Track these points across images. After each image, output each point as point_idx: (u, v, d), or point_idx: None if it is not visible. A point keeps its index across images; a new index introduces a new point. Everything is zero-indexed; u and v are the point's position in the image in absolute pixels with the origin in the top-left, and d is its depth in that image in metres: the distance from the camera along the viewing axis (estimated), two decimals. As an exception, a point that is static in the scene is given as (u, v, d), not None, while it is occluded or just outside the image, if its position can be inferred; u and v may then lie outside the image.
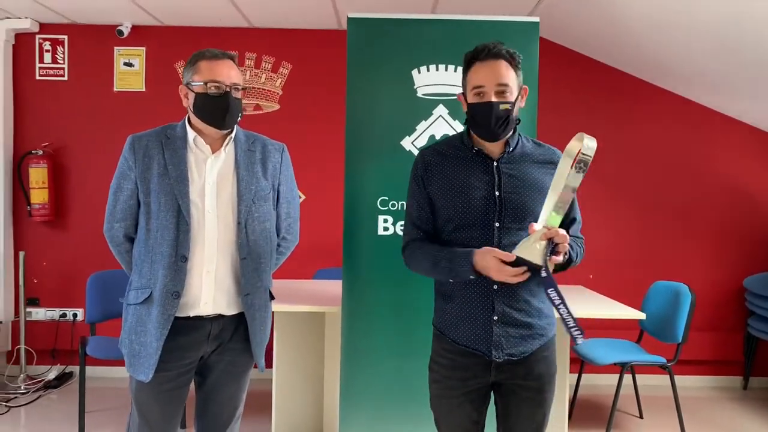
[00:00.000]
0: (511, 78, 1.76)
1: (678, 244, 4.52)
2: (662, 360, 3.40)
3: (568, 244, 1.72)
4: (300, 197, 4.44)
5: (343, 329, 2.85)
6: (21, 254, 4.28)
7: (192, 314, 1.90)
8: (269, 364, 3.21)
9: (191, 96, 1.91)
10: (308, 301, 3.12)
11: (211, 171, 1.93)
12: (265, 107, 4.49)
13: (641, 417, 3.84)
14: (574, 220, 1.86)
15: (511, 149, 1.84)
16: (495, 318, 1.77)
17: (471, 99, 1.79)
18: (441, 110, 2.77)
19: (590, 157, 1.68)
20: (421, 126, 2.78)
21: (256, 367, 2.06)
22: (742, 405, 4.16)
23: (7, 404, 3.85)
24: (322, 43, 4.44)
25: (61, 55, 4.47)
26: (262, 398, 3.72)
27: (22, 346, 4.28)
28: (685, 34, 3.59)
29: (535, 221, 1.65)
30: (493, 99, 1.74)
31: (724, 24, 3.27)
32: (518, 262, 1.62)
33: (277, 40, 4.48)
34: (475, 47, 1.78)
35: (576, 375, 3.83)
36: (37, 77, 4.46)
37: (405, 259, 1.90)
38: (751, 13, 3.06)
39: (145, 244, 1.90)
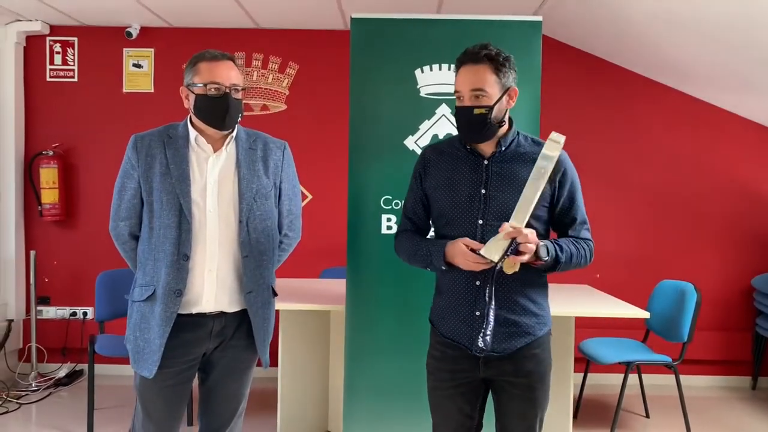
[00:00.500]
0: (490, 82, 1.77)
1: (686, 244, 4.50)
2: (667, 359, 3.39)
3: (557, 244, 1.75)
4: (307, 197, 4.50)
5: (347, 327, 2.87)
6: (32, 253, 4.34)
7: (194, 311, 1.92)
8: (274, 362, 3.25)
9: (192, 97, 1.93)
10: (313, 300, 3.15)
11: (213, 170, 1.95)
12: (272, 107, 4.52)
13: (647, 416, 3.83)
14: (574, 220, 1.86)
15: (503, 148, 1.85)
16: (477, 314, 1.80)
17: (456, 102, 1.84)
18: (444, 110, 2.78)
19: (551, 155, 1.70)
20: (424, 125, 2.80)
21: (260, 365, 2.08)
22: (751, 405, 4.14)
23: (19, 401, 3.90)
24: (329, 44, 4.47)
25: (71, 57, 4.52)
26: (267, 396, 3.76)
27: (33, 344, 4.34)
28: (691, 31, 3.57)
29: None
30: (467, 103, 1.78)
31: (731, 21, 3.26)
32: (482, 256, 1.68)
33: (284, 41, 4.51)
34: (464, 50, 1.82)
35: (581, 374, 3.82)
36: (48, 79, 4.52)
37: (395, 247, 2.02)
38: (758, 9, 3.04)
39: (148, 243, 1.93)
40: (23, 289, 4.49)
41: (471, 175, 1.85)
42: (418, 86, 2.79)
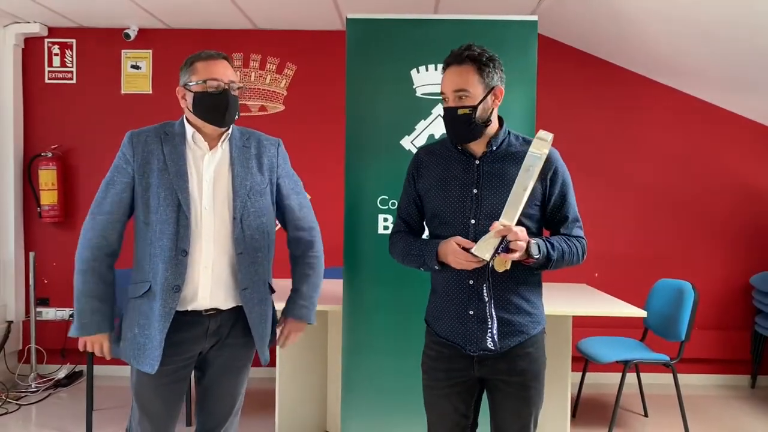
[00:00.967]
0: (473, 82, 1.78)
1: (684, 242, 4.50)
2: (665, 358, 3.39)
3: (548, 242, 1.75)
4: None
5: (344, 327, 2.88)
6: (31, 255, 4.34)
7: (190, 308, 1.93)
8: (272, 362, 3.25)
9: (189, 96, 1.94)
10: (311, 300, 3.14)
11: (208, 167, 1.96)
12: (270, 108, 4.53)
13: (646, 415, 3.83)
14: (566, 218, 1.86)
15: (494, 148, 1.86)
16: (470, 313, 1.81)
17: (443, 104, 1.87)
18: (440, 110, 2.76)
19: (539, 153, 1.72)
20: (421, 125, 2.80)
21: (258, 365, 2.07)
22: (750, 404, 4.14)
23: (18, 402, 3.91)
24: (326, 44, 4.47)
25: (70, 59, 4.53)
26: (265, 396, 3.76)
27: (33, 346, 4.34)
28: (690, 30, 3.58)
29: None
30: (451, 104, 1.81)
31: (729, 19, 3.26)
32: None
33: (281, 42, 4.51)
34: (450, 52, 1.84)
35: (580, 373, 3.83)
36: (46, 80, 4.54)
37: (389, 249, 2.04)
38: (756, 8, 3.05)
39: (144, 239, 1.93)
40: (22, 291, 4.50)
41: (463, 175, 1.86)
42: (414, 86, 2.80)
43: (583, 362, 3.78)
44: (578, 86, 4.49)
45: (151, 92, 4.51)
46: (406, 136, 2.81)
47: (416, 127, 2.80)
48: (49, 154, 4.42)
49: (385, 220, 2.82)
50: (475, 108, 1.79)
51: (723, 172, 4.49)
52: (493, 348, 1.77)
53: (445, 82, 1.83)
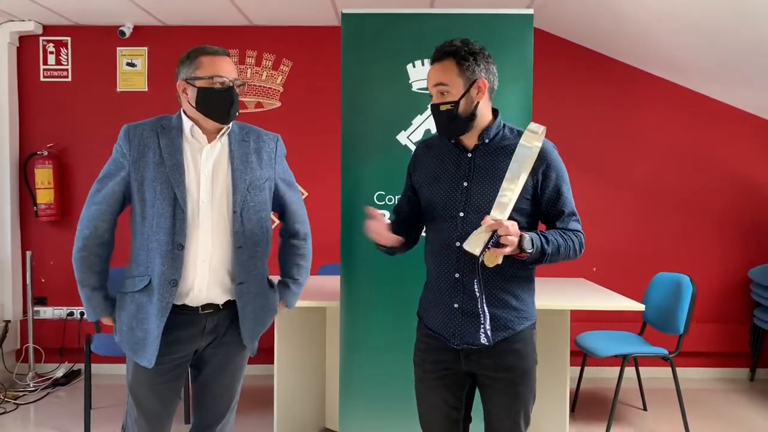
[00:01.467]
0: (451, 77, 1.78)
1: (682, 236, 4.50)
2: (664, 351, 3.39)
3: (543, 236, 1.74)
4: (303, 194, 4.48)
5: (341, 323, 2.88)
6: (28, 254, 4.33)
7: (186, 302, 1.92)
8: (270, 359, 3.25)
9: (192, 91, 1.92)
10: (309, 297, 3.12)
11: (207, 161, 1.95)
12: (266, 105, 4.52)
13: (645, 409, 3.84)
14: (561, 212, 1.84)
15: (486, 141, 1.85)
16: (456, 306, 1.82)
17: None
18: (435, 105, 2.77)
19: (529, 146, 1.70)
20: (417, 120, 2.79)
21: (254, 362, 2.07)
22: (749, 397, 4.14)
23: (16, 402, 3.90)
24: (322, 40, 4.46)
25: (65, 57, 4.52)
26: (264, 393, 3.76)
27: (31, 345, 4.34)
28: (687, 23, 3.57)
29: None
30: (435, 101, 1.82)
31: (727, 13, 3.25)
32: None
33: (277, 38, 4.50)
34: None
35: (578, 368, 3.82)
36: (42, 79, 4.52)
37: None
38: (751, 1, 3.04)
39: (140, 233, 1.92)
40: (20, 290, 4.49)
41: (454, 168, 1.86)
42: (410, 81, 2.79)
43: (581, 356, 3.78)
44: (575, 80, 4.48)
45: (147, 90, 4.50)
46: (403, 131, 2.80)
47: (413, 122, 2.79)
48: (45, 153, 4.40)
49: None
50: (457, 103, 1.78)
51: (721, 165, 4.48)
52: (486, 343, 1.75)
53: (428, 79, 1.85)
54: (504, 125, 1.89)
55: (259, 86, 4.49)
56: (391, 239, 1.84)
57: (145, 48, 4.50)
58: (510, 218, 1.67)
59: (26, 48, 4.50)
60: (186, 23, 4.44)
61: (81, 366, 4.42)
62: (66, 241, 4.46)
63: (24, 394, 4.05)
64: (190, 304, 1.93)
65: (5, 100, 4.39)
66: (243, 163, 1.98)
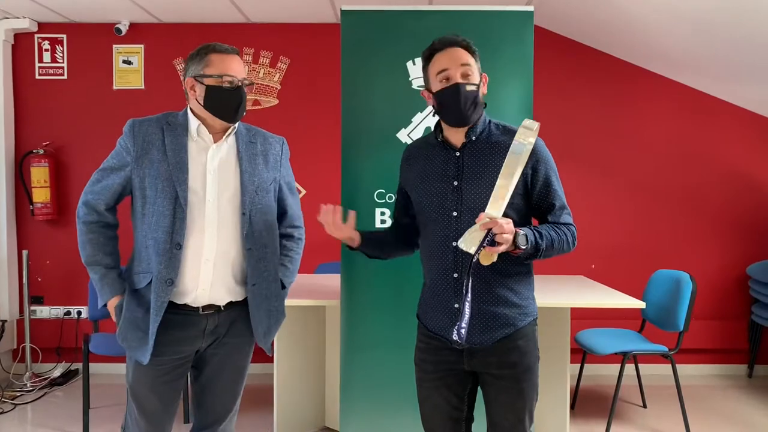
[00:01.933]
0: (472, 61, 1.80)
1: (681, 233, 4.50)
2: (663, 349, 3.39)
3: (536, 231, 1.72)
4: (301, 192, 4.47)
5: (342, 322, 2.86)
6: (24, 253, 4.31)
7: (188, 302, 1.90)
8: (270, 358, 3.24)
9: (200, 88, 1.90)
10: (308, 295, 3.13)
11: (213, 160, 1.94)
12: (263, 102, 4.49)
13: (644, 406, 3.84)
14: (552, 206, 1.83)
15: (473, 138, 1.83)
16: (456, 306, 1.80)
17: (437, 87, 1.80)
18: (436, 101, 2.76)
19: (525, 143, 1.69)
20: (417, 118, 2.78)
21: (257, 360, 2.06)
22: (747, 393, 4.15)
23: (14, 402, 3.88)
24: (320, 37, 4.44)
25: (61, 54, 4.48)
26: (264, 392, 3.75)
27: (27, 344, 4.31)
28: (684, 20, 3.56)
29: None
30: (460, 80, 1.77)
31: (724, 9, 3.25)
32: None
33: (274, 35, 4.47)
34: (432, 43, 1.83)
35: (578, 365, 3.82)
36: (37, 76, 4.48)
37: None
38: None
39: (140, 230, 1.91)
40: (16, 289, 4.46)
41: (443, 168, 1.84)
42: (410, 78, 2.77)
43: (581, 354, 3.78)
44: (574, 77, 4.47)
45: (143, 87, 4.46)
46: (403, 129, 2.78)
47: (413, 119, 2.78)
48: (41, 151, 4.37)
49: (383, 213, 2.80)
50: (478, 86, 1.79)
51: (720, 162, 4.48)
52: (459, 341, 1.69)
53: (448, 60, 1.77)
54: (489, 121, 1.88)
55: (257, 84, 4.47)
56: (345, 231, 1.90)
57: (142, 45, 4.47)
58: (503, 215, 1.66)
59: (21, 45, 4.47)
60: (182, 20, 4.41)
61: (78, 365, 4.40)
62: (63, 240, 4.47)
63: (21, 395, 4.03)
64: (192, 305, 1.91)
65: (0, 98, 4.35)
66: (251, 165, 1.97)
